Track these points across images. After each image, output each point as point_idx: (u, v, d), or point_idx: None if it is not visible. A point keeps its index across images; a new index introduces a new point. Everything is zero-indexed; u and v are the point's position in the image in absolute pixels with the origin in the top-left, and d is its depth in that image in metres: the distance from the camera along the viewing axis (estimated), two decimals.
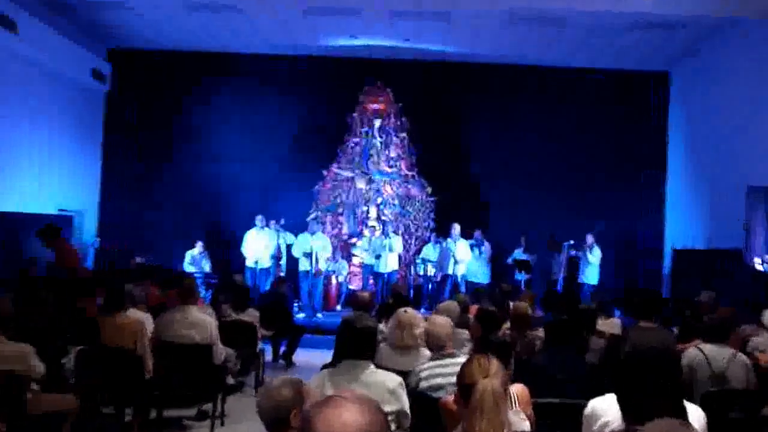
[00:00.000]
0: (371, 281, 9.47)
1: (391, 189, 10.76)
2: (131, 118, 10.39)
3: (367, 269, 9.48)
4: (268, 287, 8.45)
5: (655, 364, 1.47)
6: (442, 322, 3.12)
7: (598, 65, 9.81)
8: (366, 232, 10.19)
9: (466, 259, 9.13)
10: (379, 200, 10.75)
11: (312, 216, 10.47)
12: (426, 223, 10.69)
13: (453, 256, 8.91)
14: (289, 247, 9.34)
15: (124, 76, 10.22)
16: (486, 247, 9.75)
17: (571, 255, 9.12)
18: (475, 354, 1.91)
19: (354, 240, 10.60)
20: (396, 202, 10.74)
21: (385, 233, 9.44)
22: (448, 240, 8.92)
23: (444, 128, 10.40)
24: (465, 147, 10.34)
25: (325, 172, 10.75)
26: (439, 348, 3.01)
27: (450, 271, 8.95)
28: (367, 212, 10.76)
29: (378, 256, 9.19)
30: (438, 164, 10.47)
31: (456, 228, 8.96)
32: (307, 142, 10.27)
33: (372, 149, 10.73)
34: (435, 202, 10.67)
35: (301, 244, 8.80)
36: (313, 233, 8.74)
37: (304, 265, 8.76)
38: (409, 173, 10.73)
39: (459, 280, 9.03)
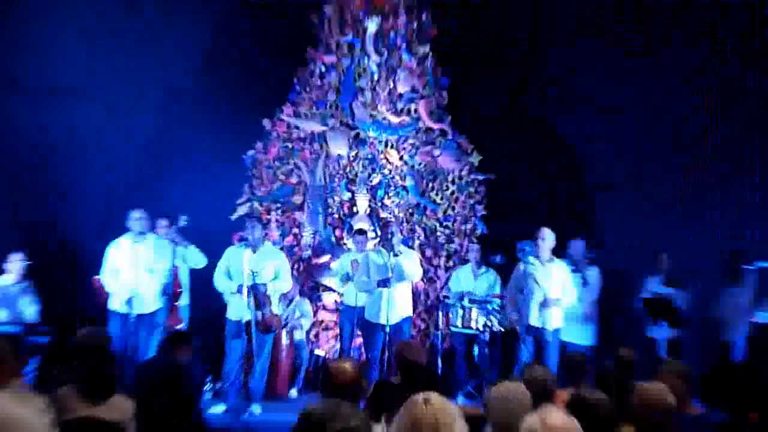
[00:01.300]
0: (358, 340, 9.68)
1: (400, 158, 10.98)
2: None
3: (351, 316, 9.54)
4: (153, 353, 8.49)
5: None
6: (563, 424, 3.28)
7: None
8: (348, 242, 10.32)
9: (567, 299, 9.08)
10: (376, 179, 11.01)
11: (241, 210, 10.73)
12: (469, 225, 10.97)
13: (539, 288, 8.86)
14: (197, 273, 9.56)
15: None
16: (594, 274, 9.84)
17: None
18: None
19: (324, 259, 10.79)
20: (409, 183, 10.95)
21: (387, 245, 9.22)
22: (531, 261, 8.90)
23: (504, 36, 10.62)
24: (545, 79, 10.54)
25: (267, 125, 11.07)
26: None
27: (533, 322, 8.85)
28: (351, 203, 10.99)
29: (373, 291, 9.13)
30: (492, 109, 10.66)
31: (547, 236, 8.93)
32: (232, 66, 10.58)
33: (362, 79, 11.00)
34: (487, 183, 10.96)
35: (229, 266, 8.80)
36: (253, 247, 8.72)
37: (235, 311, 8.69)
38: (436, 125, 10.96)
39: (550, 340, 8.88)
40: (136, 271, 9.06)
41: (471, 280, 10.01)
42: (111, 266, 9.13)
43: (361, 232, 10.02)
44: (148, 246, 9.23)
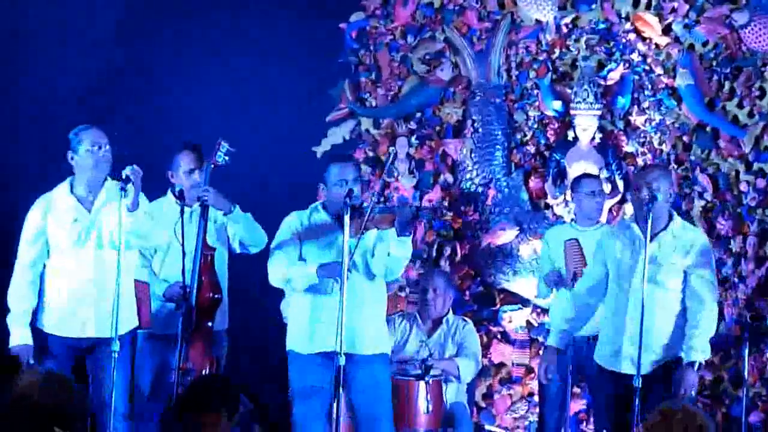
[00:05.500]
0: (578, 407, 8.33)
1: (665, 30, 8.68)
2: None
3: (563, 360, 7.94)
4: None
5: None
6: None
7: None
8: (557, 203, 8.64)
9: None
10: (615, 74, 8.62)
11: (335, 136, 9.12)
12: None
13: None
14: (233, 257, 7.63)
15: None
16: None
17: None
18: None
19: (505, 237, 8.92)
20: (684, 81, 8.44)
21: (643, 216, 7.88)
22: None
23: None
24: None
25: None
26: None
27: None
28: (564, 123, 8.90)
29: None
30: None
31: None
32: None
33: None
34: None
35: (306, 241, 7.36)
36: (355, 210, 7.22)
37: (313, 341, 7.20)
38: None
39: None
40: (89, 254, 6.50)
41: None
42: (31, 253, 6.65)
43: (590, 178, 7.74)
44: (136, 209, 6.64)
